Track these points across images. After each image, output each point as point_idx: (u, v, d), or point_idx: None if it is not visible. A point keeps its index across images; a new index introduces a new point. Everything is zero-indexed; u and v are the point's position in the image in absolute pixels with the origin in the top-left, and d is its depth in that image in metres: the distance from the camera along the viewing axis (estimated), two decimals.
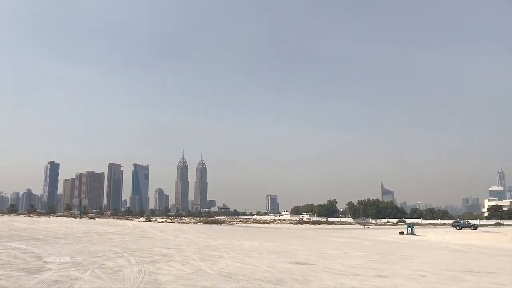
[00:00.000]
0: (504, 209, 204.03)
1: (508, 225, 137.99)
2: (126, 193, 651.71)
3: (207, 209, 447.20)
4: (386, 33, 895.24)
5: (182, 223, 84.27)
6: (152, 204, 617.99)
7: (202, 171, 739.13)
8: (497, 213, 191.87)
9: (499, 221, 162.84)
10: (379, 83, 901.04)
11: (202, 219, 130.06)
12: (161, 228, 47.48)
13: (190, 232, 41.12)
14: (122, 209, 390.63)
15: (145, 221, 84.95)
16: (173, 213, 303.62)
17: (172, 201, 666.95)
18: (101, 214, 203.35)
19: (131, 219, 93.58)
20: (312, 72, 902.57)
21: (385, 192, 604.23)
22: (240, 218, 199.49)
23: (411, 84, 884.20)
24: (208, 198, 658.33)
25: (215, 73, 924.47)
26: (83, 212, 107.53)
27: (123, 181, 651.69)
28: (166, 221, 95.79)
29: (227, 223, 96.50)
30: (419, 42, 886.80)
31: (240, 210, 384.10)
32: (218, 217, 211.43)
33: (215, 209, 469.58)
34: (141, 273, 13.18)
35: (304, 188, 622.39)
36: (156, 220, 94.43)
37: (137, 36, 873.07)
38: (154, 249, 21.21)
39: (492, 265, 23.22)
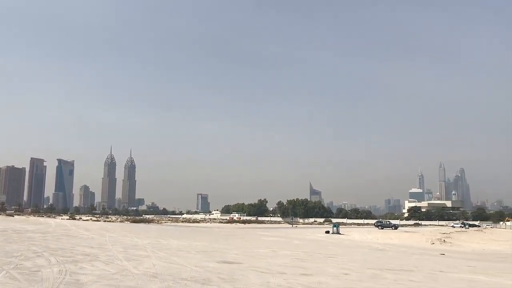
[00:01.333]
0: (423, 210, 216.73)
1: (425, 225, 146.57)
2: (49, 190, 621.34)
3: (135, 208, 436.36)
4: (320, 39, 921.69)
5: (108, 221, 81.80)
6: (76, 202, 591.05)
7: (130, 168, 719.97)
8: (416, 214, 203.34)
9: (417, 221, 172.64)
10: (310, 86, 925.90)
11: (129, 217, 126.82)
12: (85, 226, 45.77)
13: (116, 231, 39.94)
14: (44, 206, 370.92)
15: (68, 219, 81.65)
16: (99, 211, 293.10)
17: (98, 198, 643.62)
18: (20, 211, 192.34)
19: (54, 217, 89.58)
20: (247, 73, 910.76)
21: (313, 192, 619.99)
22: (169, 217, 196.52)
23: (342, 89, 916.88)
24: (137, 196, 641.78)
25: (148, 69, 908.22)
26: (0, 209, 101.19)
27: (46, 177, 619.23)
28: (91, 219, 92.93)
29: (155, 222, 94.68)
30: (354, 50, 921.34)
31: (169, 209, 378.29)
32: (146, 216, 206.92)
33: (143, 207, 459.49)
34: (61, 273, 12.58)
35: (236, 187, 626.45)
36: (80, 218, 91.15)
37: (67, 28, 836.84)
38: (77, 248, 20.37)
39: (410, 263, 24.50)
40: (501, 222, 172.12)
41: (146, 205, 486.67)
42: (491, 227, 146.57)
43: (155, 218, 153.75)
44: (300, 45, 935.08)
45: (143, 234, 36.27)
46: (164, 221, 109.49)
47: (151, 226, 68.45)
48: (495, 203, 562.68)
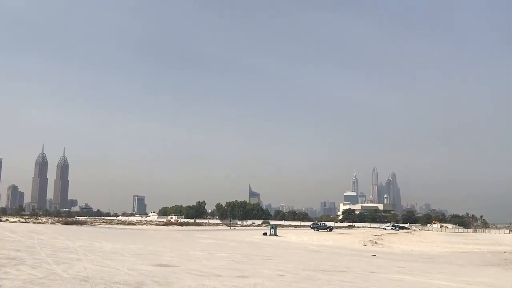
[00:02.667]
0: (356, 212, 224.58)
1: (359, 227, 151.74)
2: None
3: (67, 209, 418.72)
4: (257, 41, 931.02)
5: (38, 223, 78.16)
6: (3, 202, 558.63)
7: (63, 167, 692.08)
8: (350, 216, 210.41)
9: (351, 223, 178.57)
10: (249, 88, 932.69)
11: (61, 219, 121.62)
12: (12, 228, 43.42)
13: (46, 233, 38.16)
14: None
15: None
16: (28, 212, 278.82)
17: (28, 199, 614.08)
18: None
19: None
20: (186, 73, 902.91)
21: (252, 194, 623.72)
22: (103, 219, 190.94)
23: (279, 93, 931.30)
24: (69, 197, 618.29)
25: (83, 66, 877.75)
26: None
27: None
28: (19, 220, 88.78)
29: (89, 224, 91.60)
30: (291, 54, 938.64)
31: (104, 210, 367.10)
32: (79, 217, 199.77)
33: (76, 209, 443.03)
34: None
35: (174, 189, 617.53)
36: (7, 220, 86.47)
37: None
38: (1, 251, 19.23)
39: (343, 264, 25.22)
40: (429, 225, 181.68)
41: (79, 207, 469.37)
42: (419, 229, 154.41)
43: (88, 219, 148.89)
44: (239, 48, 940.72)
45: (75, 237, 34.89)
46: (98, 223, 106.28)
47: (84, 228, 66.09)
48: (424, 207, 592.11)
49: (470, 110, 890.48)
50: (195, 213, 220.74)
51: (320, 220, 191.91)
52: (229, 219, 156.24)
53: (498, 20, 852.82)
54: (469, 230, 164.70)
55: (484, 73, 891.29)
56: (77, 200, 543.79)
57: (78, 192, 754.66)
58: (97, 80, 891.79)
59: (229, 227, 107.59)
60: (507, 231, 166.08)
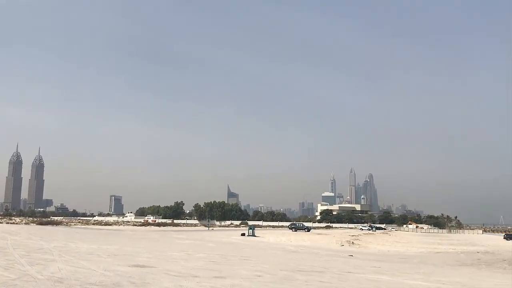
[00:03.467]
0: (334, 213, 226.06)
1: (336, 227, 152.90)
2: None
3: (42, 209, 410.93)
4: (236, 41, 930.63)
5: (11, 223, 76.50)
6: None
7: (38, 167, 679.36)
8: (327, 217, 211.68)
9: (329, 224, 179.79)
10: (236, 90, 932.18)
11: (35, 219, 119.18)
12: None
13: (20, 233, 37.38)
14: None
15: None
16: (2, 212, 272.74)
17: (1, 199, 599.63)
18: None
19: None
20: (170, 74, 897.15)
21: (231, 194, 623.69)
22: (79, 219, 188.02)
23: (259, 93, 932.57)
24: (44, 197, 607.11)
25: (59, 64, 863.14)
26: None
27: None
28: None
29: (64, 224, 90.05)
30: (270, 54, 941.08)
31: (80, 210, 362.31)
32: (54, 217, 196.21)
33: (51, 209, 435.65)
34: None
35: (152, 190, 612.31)
36: None
37: None
38: None
39: (321, 264, 25.39)
40: (405, 225, 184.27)
41: (55, 207, 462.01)
42: (395, 230, 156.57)
43: (64, 220, 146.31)
44: (215, 47, 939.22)
45: (50, 237, 34.28)
46: (74, 223, 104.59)
47: (59, 228, 65.01)
48: (400, 207, 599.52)
49: (446, 114, 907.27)
50: (173, 213, 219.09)
51: (298, 220, 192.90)
52: (207, 220, 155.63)
53: (477, 20, 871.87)
54: (444, 230, 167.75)
55: (462, 74, 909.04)
56: (52, 200, 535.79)
57: (54, 192, 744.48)
58: (75, 80, 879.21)
59: (207, 228, 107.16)
60: (480, 231, 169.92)
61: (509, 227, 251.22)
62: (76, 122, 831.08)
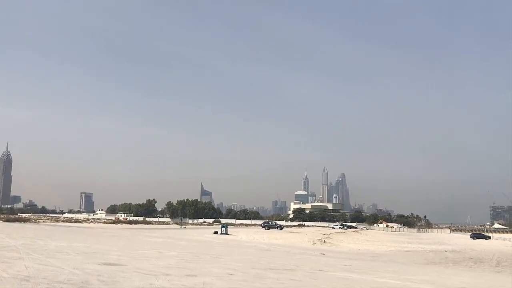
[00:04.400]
0: (306, 211, 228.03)
1: (308, 226, 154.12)
2: None
3: (9, 206, 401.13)
4: (214, 40, 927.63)
5: None
6: None
7: (6, 162, 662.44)
8: (300, 215, 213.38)
9: (302, 222, 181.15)
10: (211, 89, 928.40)
11: (2, 216, 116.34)
12: None
13: None
14: None
15: None
16: None
17: None
18: None
19: None
20: (138, 70, 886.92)
21: (204, 193, 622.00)
22: (49, 216, 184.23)
23: (236, 92, 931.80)
24: (12, 193, 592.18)
25: (29, 61, 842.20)
26: None
27: None
28: None
29: (32, 222, 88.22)
30: (247, 54, 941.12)
31: (49, 207, 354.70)
32: (22, 214, 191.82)
33: (19, 205, 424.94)
34: None
35: (123, 187, 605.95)
36: None
37: None
38: None
39: (292, 262, 25.53)
40: (376, 224, 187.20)
41: (23, 203, 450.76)
42: (366, 229, 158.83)
43: (32, 217, 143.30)
44: (193, 45, 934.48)
45: (17, 234, 33.47)
46: (42, 221, 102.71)
47: (27, 225, 63.66)
48: (371, 207, 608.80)
49: (416, 116, 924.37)
50: (145, 211, 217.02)
51: (271, 219, 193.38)
52: (179, 218, 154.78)
53: (454, 24, 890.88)
54: (414, 230, 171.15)
55: (434, 78, 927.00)
56: (21, 197, 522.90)
57: (22, 189, 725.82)
58: (44, 74, 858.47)
59: (180, 226, 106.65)
60: (448, 231, 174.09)
61: (476, 227, 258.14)
62: (46, 118, 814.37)
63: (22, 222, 77.13)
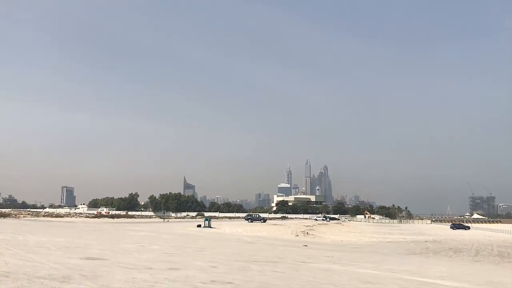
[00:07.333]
0: (290, 204, 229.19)
1: (292, 218, 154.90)
2: None
3: None
4: (197, 33, 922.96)
5: None
6: None
7: None
8: (283, 208, 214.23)
9: (285, 214, 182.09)
10: (191, 81, 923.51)
11: None
12: None
13: None
14: None
15: None
16: None
17: None
18: None
19: None
20: (115, 62, 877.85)
21: (187, 186, 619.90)
22: (29, 211, 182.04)
23: (218, 85, 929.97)
24: None
25: (6, 54, 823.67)
26: None
27: None
28: None
29: (12, 217, 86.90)
30: (231, 48, 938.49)
31: (30, 202, 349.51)
32: (2, 209, 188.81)
33: None
34: None
35: (105, 181, 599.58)
36: None
37: None
38: None
39: (275, 254, 25.68)
40: (361, 216, 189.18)
41: (2, 198, 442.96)
42: (348, 220, 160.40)
43: (12, 212, 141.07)
44: (176, 38, 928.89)
45: None
46: (23, 215, 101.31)
47: (7, 220, 62.76)
48: (353, 198, 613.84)
49: (397, 111, 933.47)
50: (128, 205, 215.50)
51: (255, 211, 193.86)
52: (162, 212, 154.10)
53: (432, 19, 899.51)
54: (395, 221, 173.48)
55: (414, 72, 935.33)
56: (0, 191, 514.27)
57: (1, 183, 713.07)
58: (22, 68, 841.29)
59: (163, 220, 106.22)
60: (429, 221, 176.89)
61: (455, 217, 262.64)
62: (27, 112, 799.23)
63: (2, 218, 75.90)
